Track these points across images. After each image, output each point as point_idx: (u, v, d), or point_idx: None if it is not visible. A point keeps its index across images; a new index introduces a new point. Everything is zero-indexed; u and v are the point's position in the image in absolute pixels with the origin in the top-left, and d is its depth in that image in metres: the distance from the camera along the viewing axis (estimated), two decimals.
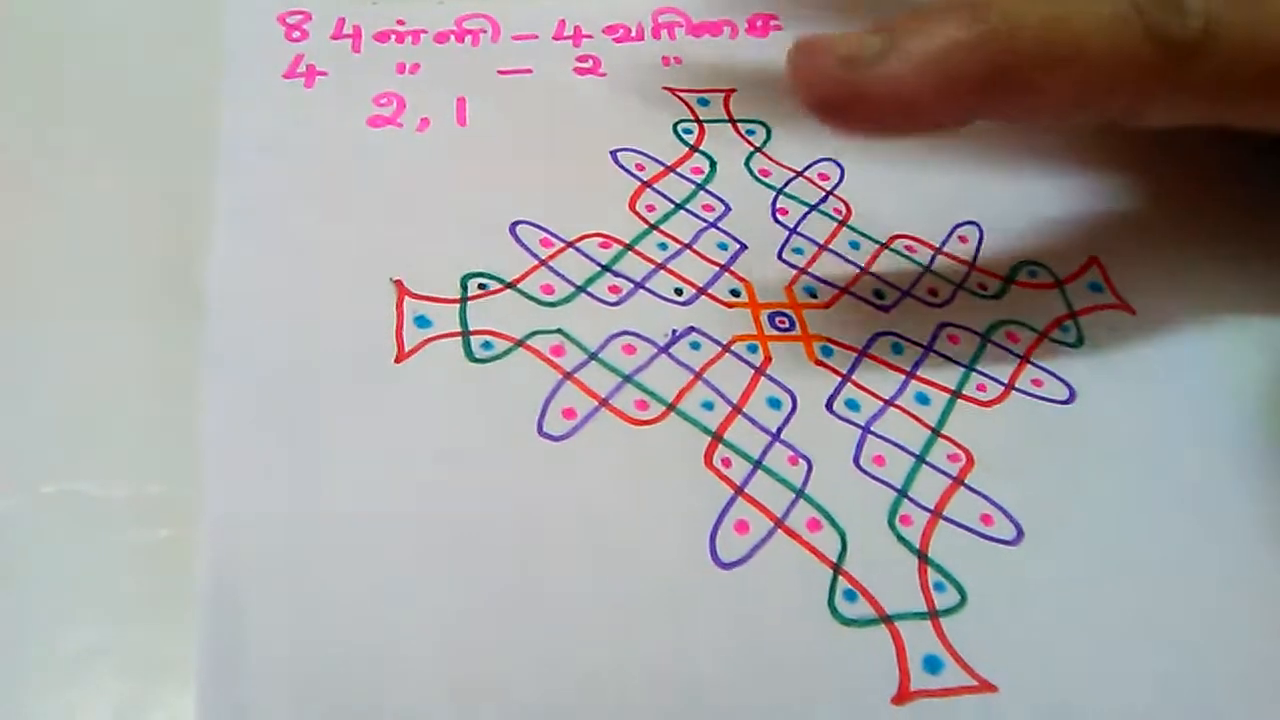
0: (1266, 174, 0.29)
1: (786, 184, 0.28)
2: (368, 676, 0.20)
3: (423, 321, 0.24)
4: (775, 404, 0.24)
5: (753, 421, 0.24)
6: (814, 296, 0.26)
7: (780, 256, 0.27)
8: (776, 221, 0.27)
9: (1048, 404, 0.25)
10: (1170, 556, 0.22)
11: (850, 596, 0.21)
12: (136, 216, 0.26)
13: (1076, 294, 0.27)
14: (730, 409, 0.24)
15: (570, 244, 0.26)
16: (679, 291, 0.26)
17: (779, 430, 0.23)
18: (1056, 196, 0.28)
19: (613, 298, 0.25)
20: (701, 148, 0.29)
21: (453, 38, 0.31)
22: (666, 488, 0.22)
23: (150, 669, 0.20)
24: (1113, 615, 0.22)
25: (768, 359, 0.25)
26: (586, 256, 0.26)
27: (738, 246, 0.27)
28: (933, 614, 0.21)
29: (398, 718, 0.20)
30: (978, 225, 0.28)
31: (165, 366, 0.23)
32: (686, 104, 0.30)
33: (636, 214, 0.27)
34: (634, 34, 0.32)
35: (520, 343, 0.24)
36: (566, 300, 0.25)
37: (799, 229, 0.27)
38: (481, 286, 0.25)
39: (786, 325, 0.25)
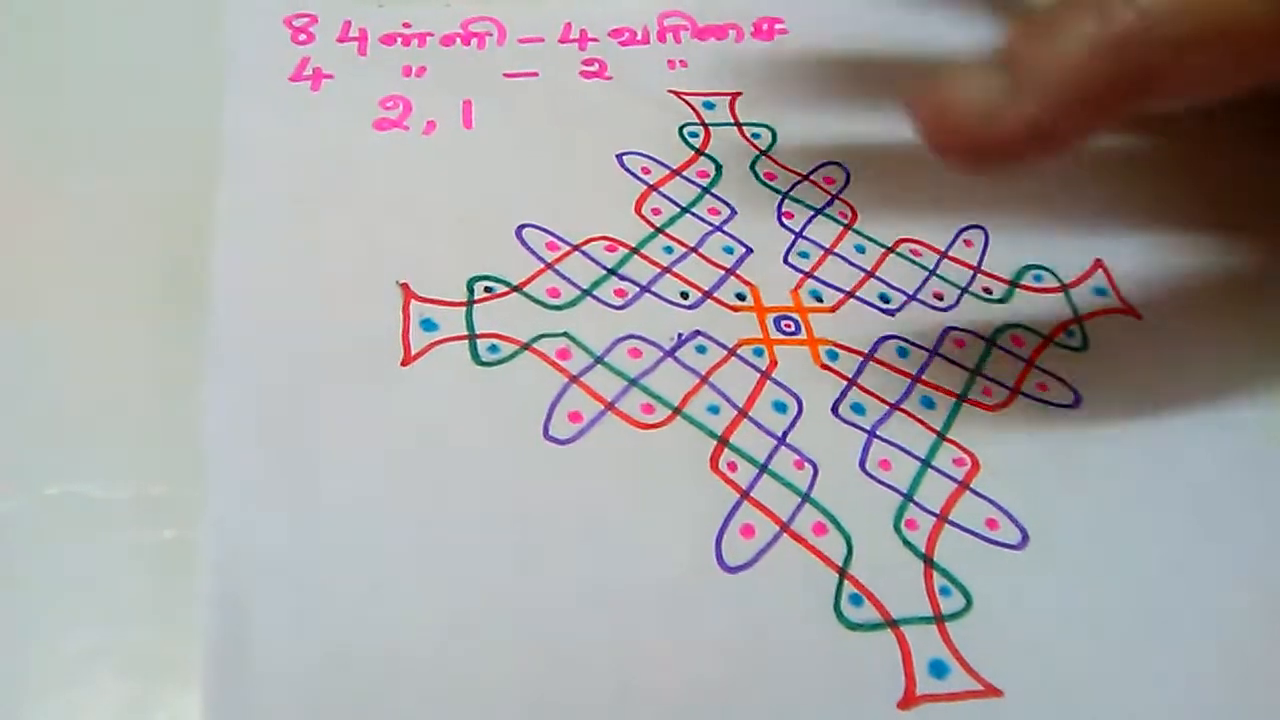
0: (1272, 179, 0.29)
1: (792, 187, 0.28)
2: (371, 677, 0.20)
3: (429, 324, 0.24)
4: (781, 408, 0.24)
5: (758, 425, 0.24)
6: (819, 300, 0.26)
7: (786, 260, 0.27)
8: (782, 225, 0.27)
9: (1053, 408, 0.25)
10: (1175, 560, 0.22)
11: (856, 601, 0.21)
12: (141, 219, 0.26)
13: (1082, 298, 0.27)
14: (736, 413, 0.24)
15: (576, 247, 0.26)
16: (685, 295, 0.26)
17: (785, 434, 0.23)
18: (1062, 200, 0.28)
19: (618, 301, 0.25)
20: (707, 151, 0.29)
21: (459, 41, 0.31)
22: (672, 491, 0.22)
23: (154, 669, 0.20)
24: (1118, 619, 0.22)
25: (773, 363, 0.25)
26: (592, 260, 0.26)
27: (743, 250, 0.27)
28: (938, 618, 0.21)
29: (400, 717, 0.19)
30: (983, 229, 0.28)
31: (169, 368, 0.23)
32: (692, 107, 0.30)
33: (642, 217, 0.27)
34: (640, 37, 0.32)
35: (526, 346, 0.24)
36: (572, 304, 0.25)
37: (804, 233, 0.27)
38: (488, 290, 0.25)
39: (792, 329, 0.25)
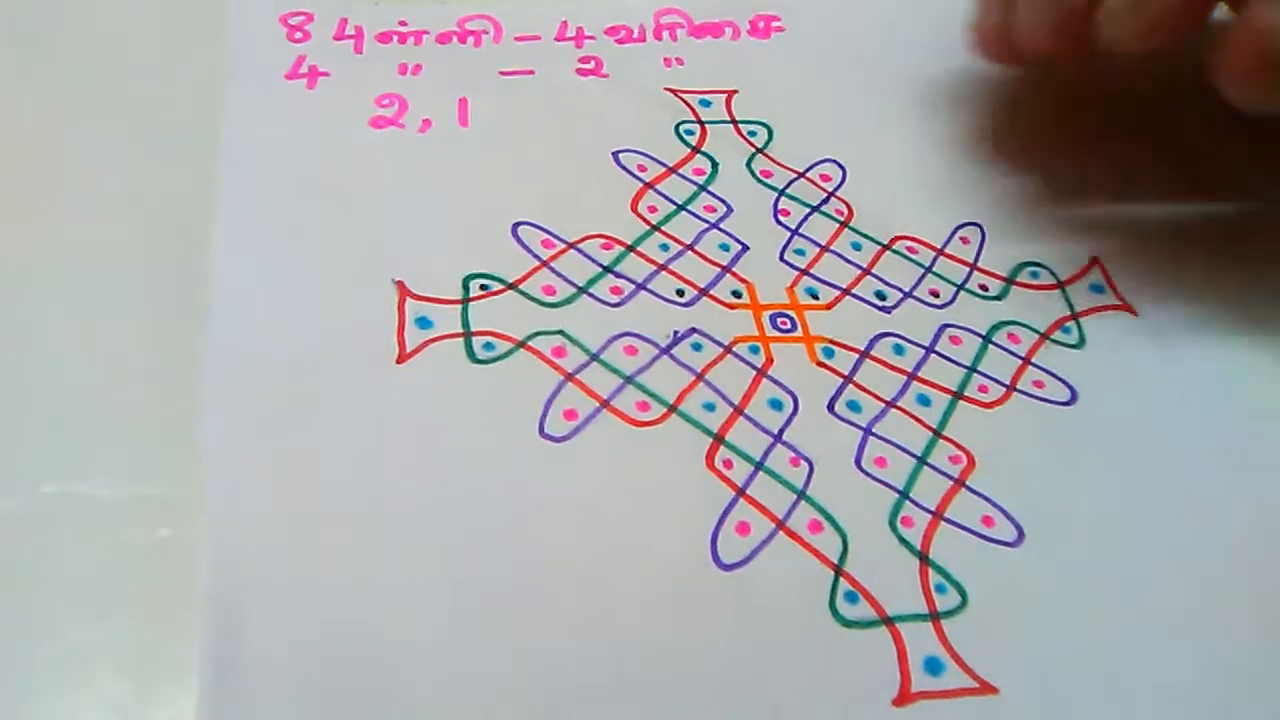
0: (1267, 175, 0.29)
1: (788, 185, 0.28)
2: (368, 675, 0.20)
3: (424, 322, 0.24)
4: (777, 405, 0.24)
5: (754, 423, 0.24)
6: (815, 298, 0.26)
7: (782, 258, 0.27)
8: (778, 222, 0.27)
9: (1049, 405, 0.25)
10: (1171, 558, 0.22)
11: (851, 598, 0.21)
12: (138, 218, 0.26)
13: (1078, 295, 0.27)
14: (732, 410, 0.24)
15: (572, 245, 0.26)
16: (680, 293, 0.26)
17: (780, 431, 0.23)
18: (1058, 198, 0.28)
19: (614, 299, 0.25)
20: (703, 149, 0.29)
21: (455, 38, 0.31)
22: (668, 489, 0.22)
23: (151, 668, 0.20)
24: (1113, 616, 0.22)
25: (769, 360, 0.25)
26: (588, 257, 0.26)
27: (739, 248, 0.27)
28: (934, 615, 0.21)
29: (398, 716, 0.20)
30: (979, 226, 0.28)
31: (166, 368, 0.23)
32: (688, 105, 0.30)
33: (638, 215, 0.27)
34: (636, 35, 0.32)
35: (522, 344, 0.24)
36: (568, 301, 0.25)
37: (800, 230, 0.27)
38: (483, 287, 0.25)
39: (788, 326, 0.25)
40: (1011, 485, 0.23)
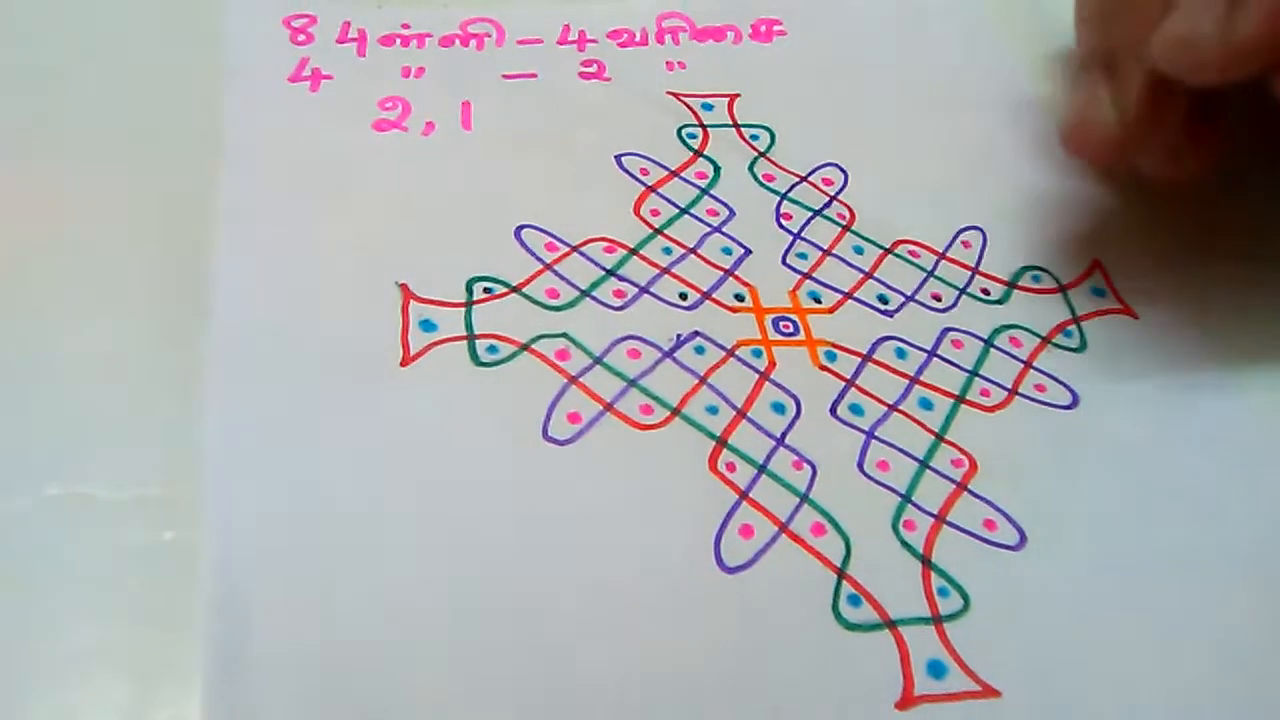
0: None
1: (790, 189, 0.28)
2: (371, 677, 0.20)
3: (428, 325, 0.24)
4: (779, 408, 0.24)
5: (757, 426, 0.24)
6: (818, 301, 0.26)
7: (784, 261, 0.27)
8: (780, 226, 0.27)
9: (1051, 409, 0.25)
10: (1173, 561, 0.22)
11: (854, 601, 0.21)
12: (141, 220, 0.26)
13: (1079, 299, 0.27)
14: (734, 413, 0.24)
15: (575, 248, 0.26)
16: (683, 296, 0.26)
17: (783, 435, 0.23)
18: (1060, 201, 0.28)
19: (617, 302, 0.25)
20: (706, 152, 0.29)
21: (458, 42, 0.31)
22: (671, 492, 0.22)
23: (155, 669, 0.20)
24: (1115, 620, 0.22)
25: (772, 364, 0.25)
26: (591, 261, 0.26)
27: (742, 251, 0.27)
28: (936, 619, 0.21)
29: (400, 717, 0.20)
30: (981, 230, 0.28)
31: (169, 369, 0.23)
32: (691, 109, 0.30)
33: (641, 218, 0.27)
34: (638, 39, 0.32)
35: (525, 347, 0.24)
36: (571, 304, 0.25)
37: (803, 234, 0.27)
38: (487, 290, 0.25)
39: (790, 330, 0.25)
40: (1013, 488, 0.23)
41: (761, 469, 0.23)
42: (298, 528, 0.21)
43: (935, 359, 0.25)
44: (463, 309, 0.25)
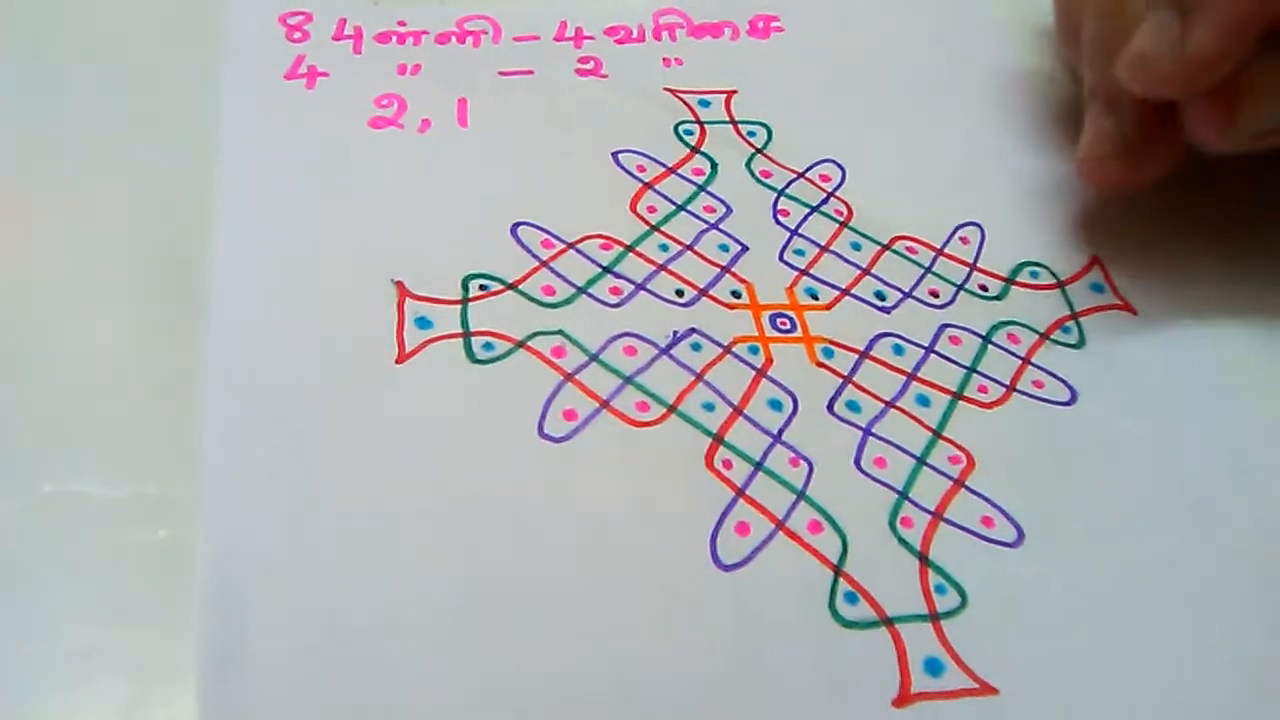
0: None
1: (788, 185, 0.28)
2: (367, 676, 0.20)
3: (424, 322, 0.24)
4: (776, 405, 0.24)
5: (754, 423, 0.23)
6: (815, 298, 0.26)
7: (781, 258, 0.27)
8: (777, 223, 0.27)
9: (1049, 405, 0.25)
10: (1172, 558, 0.22)
11: (851, 599, 0.21)
12: (136, 217, 0.26)
13: (1078, 295, 0.27)
14: (731, 410, 0.24)
15: (571, 245, 0.26)
16: (680, 293, 0.26)
17: (780, 432, 0.23)
18: (1058, 197, 0.28)
19: (614, 299, 0.25)
20: (703, 149, 0.29)
21: (454, 39, 0.31)
22: (667, 489, 0.22)
23: (149, 669, 0.20)
24: (1114, 617, 0.22)
25: (769, 360, 0.25)
26: (587, 258, 0.26)
27: (739, 248, 0.27)
28: (933, 616, 0.21)
29: (398, 716, 0.19)
30: (979, 226, 0.28)
31: (165, 366, 0.23)
32: (688, 105, 0.30)
33: (637, 215, 0.27)
34: (635, 35, 0.31)
35: (521, 344, 0.24)
36: (567, 301, 0.25)
37: (800, 230, 0.27)
38: (483, 288, 0.25)
39: (788, 326, 0.25)
40: (1011, 485, 0.23)
41: (758, 466, 0.23)
42: (293, 525, 0.21)
43: (933, 355, 0.25)
44: (458, 306, 0.25)
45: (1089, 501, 0.23)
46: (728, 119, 0.29)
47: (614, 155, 0.28)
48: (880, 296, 0.26)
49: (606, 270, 0.26)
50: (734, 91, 0.30)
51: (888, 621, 0.21)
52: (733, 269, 0.26)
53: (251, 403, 0.23)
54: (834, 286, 0.26)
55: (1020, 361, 0.25)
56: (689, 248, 0.26)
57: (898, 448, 0.23)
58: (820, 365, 0.25)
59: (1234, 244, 0.28)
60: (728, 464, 0.23)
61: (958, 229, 0.28)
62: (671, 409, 0.24)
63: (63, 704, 0.19)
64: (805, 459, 0.23)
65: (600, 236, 0.26)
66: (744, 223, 0.27)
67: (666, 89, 0.30)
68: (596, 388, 0.24)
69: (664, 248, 0.26)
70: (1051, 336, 0.26)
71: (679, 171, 0.28)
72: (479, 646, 0.20)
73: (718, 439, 0.23)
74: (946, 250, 0.27)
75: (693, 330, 0.25)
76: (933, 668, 0.21)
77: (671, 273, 0.26)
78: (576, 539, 0.22)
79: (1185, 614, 0.22)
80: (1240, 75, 0.24)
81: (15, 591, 0.20)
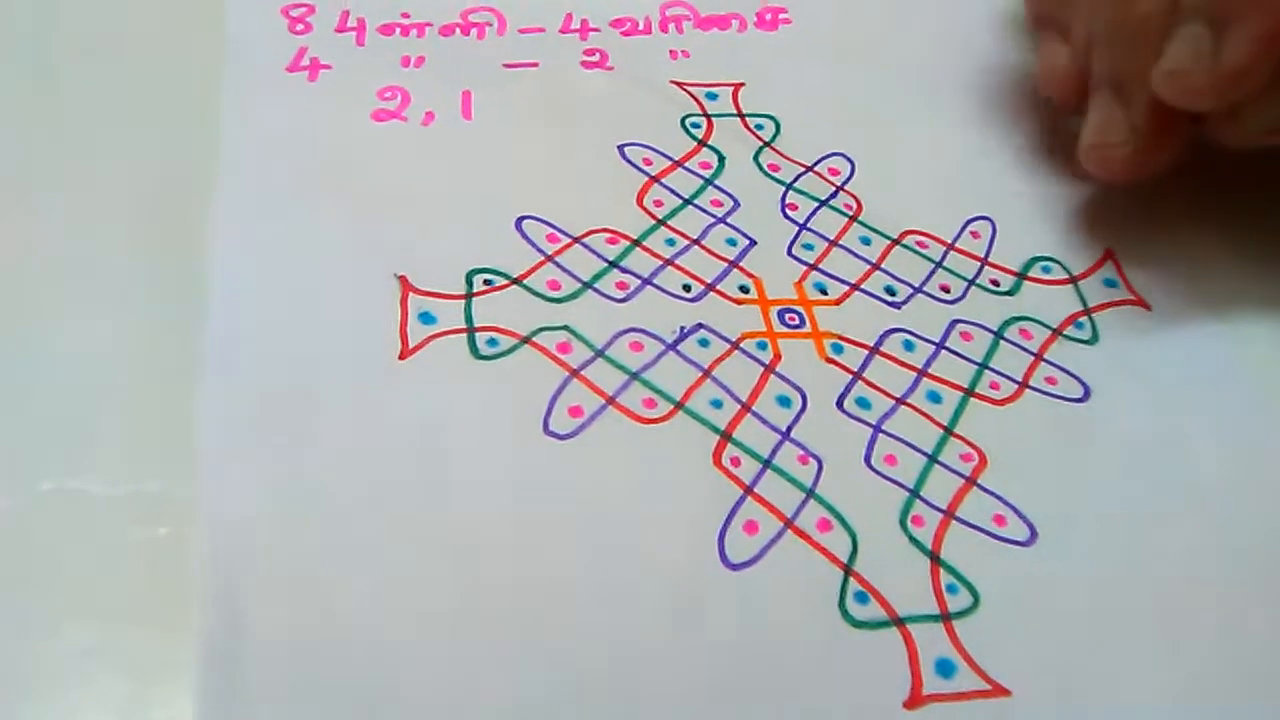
0: None
1: (796, 179, 0.28)
2: (368, 675, 0.20)
3: (427, 318, 0.24)
4: (785, 402, 0.24)
5: (762, 420, 0.23)
6: (824, 293, 0.26)
7: (790, 252, 0.26)
8: (786, 217, 0.27)
9: (1062, 402, 0.24)
10: (1186, 555, 0.22)
11: (861, 598, 0.21)
12: (137, 212, 0.26)
13: (1091, 290, 0.26)
14: (739, 407, 0.23)
15: (577, 240, 0.26)
16: (687, 288, 0.25)
17: (789, 429, 0.23)
18: (1070, 191, 0.28)
19: (620, 294, 0.25)
20: (710, 142, 0.28)
21: (458, 31, 0.31)
22: (674, 487, 0.22)
23: (149, 667, 0.20)
24: (1128, 617, 0.21)
25: (777, 356, 0.24)
26: (593, 252, 0.26)
27: (747, 242, 0.26)
28: (945, 616, 0.21)
29: (397, 716, 0.19)
30: (990, 220, 0.27)
31: (164, 363, 0.23)
32: (695, 98, 0.29)
33: (644, 209, 0.27)
34: (642, 27, 0.31)
35: (526, 339, 0.24)
36: (573, 297, 0.25)
37: (809, 224, 0.27)
38: (487, 282, 0.25)
39: (796, 322, 0.25)
40: (1024, 483, 0.23)
41: (766, 464, 0.23)
42: (293, 522, 0.21)
43: (944, 351, 0.25)
44: (462, 301, 0.24)
45: (1103, 499, 0.23)
46: (735, 112, 0.29)
47: (620, 149, 0.28)
48: (890, 291, 0.26)
49: (612, 265, 0.25)
50: (741, 84, 0.30)
51: (898, 622, 0.21)
52: (741, 264, 0.26)
53: (251, 399, 0.22)
54: (843, 281, 0.26)
55: (1033, 357, 0.25)
56: (696, 242, 0.26)
57: (908, 445, 0.23)
58: (829, 361, 0.24)
59: (1249, 239, 0.27)
60: (736, 461, 0.23)
61: (968, 223, 0.27)
62: (679, 406, 0.23)
63: (62, 702, 0.19)
64: (814, 456, 0.23)
65: (606, 231, 0.26)
66: (752, 217, 0.27)
67: (673, 82, 0.30)
68: (602, 384, 0.23)
69: (671, 242, 0.26)
70: (1064, 332, 0.26)
71: (686, 165, 0.28)
72: (480, 645, 0.20)
73: (726, 436, 0.23)
74: (957, 245, 0.27)
75: (700, 326, 0.25)
76: (944, 669, 0.20)
77: (678, 267, 0.26)
78: (581, 538, 0.21)
79: (1200, 612, 0.21)
80: None
81: (14, 589, 0.20)
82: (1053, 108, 0.29)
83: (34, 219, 0.26)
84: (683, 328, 0.25)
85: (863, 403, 0.24)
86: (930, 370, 0.25)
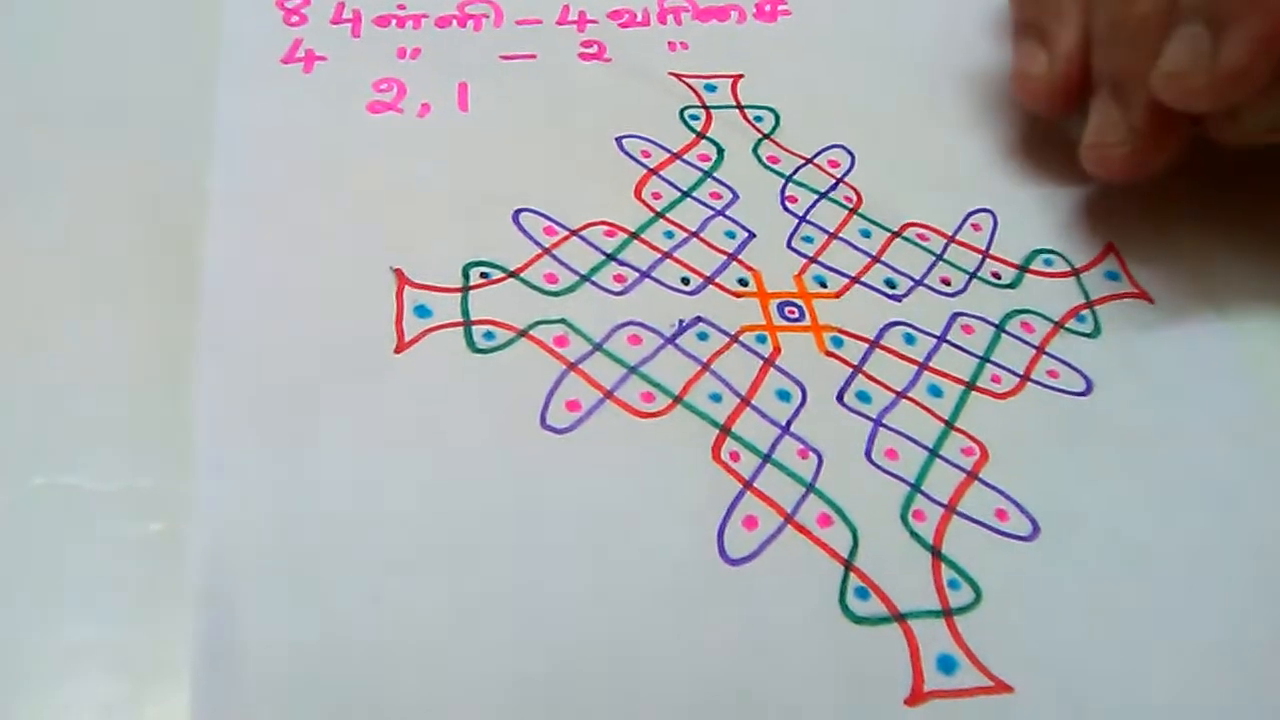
0: None
1: (796, 171, 0.28)
2: (364, 673, 0.19)
3: (423, 311, 0.24)
4: (785, 396, 0.23)
5: (762, 414, 0.23)
6: (824, 286, 0.25)
7: (789, 245, 0.26)
8: (785, 209, 0.27)
9: (1064, 395, 0.24)
10: (1189, 550, 0.22)
11: (862, 594, 0.21)
12: (131, 206, 0.25)
13: (1093, 282, 0.26)
14: (739, 401, 0.23)
15: (574, 232, 0.26)
16: (686, 281, 0.25)
17: (788, 423, 0.23)
18: (1072, 183, 0.28)
19: (618, 287, 0.25)
20: (709, 134, 0.28)
21: (454, 22, 0.30)
22: (673, 482, 0.22)
23: (143, 664, 0.19)
24: (1131, 613, 0.21)
25: (777, 350, 0.24)
26: (591, 245, 0.25)
27: (746, 235, 0.26)
28: (947, 612, 0.21)
29: (394, 715, 0.19)
30: (992, 213, 0.27)
31: (158, 358, 0.23)
32: (693, 90, 0.29)
33: (642, 202, 0.27)
34: (640, 19, 0.31)
35: (523, 333, 0.24)
36: (570, 290, 0.25)
37: (808, 217, 0.27)
38: (484, 275, 0.25)
39: (796, 315, 0.25)
40: (1026, 478, 0.23)
41: (766, 458, 0.22)
42: (288, 519, 0.21)
43: (945, 344, 0.25)
44: (459, 294, 0.24)
45: (1105, 493, 0.23)
46: (734, 104, 0.29)
47: (618, 140, 0.28)
48: (891, 284, 0.26)
49: (610, 258, 0.25)
50: (740, 76, 0.30)
51: (900, 617, 0.21)
52: (740, 256, 0.26)
53: (246, 393, 0.22)
54: (843, 274, 0.26)
55: (1034, 351, 0.25)
56: (695, 235, 0.26)
57: (909, 439, 0.23)
58: (829, 355, 0.24)
59: (1252, 233, 0.27)
60: (735, 456, 0.22)
61: (969, 215, 0.27)
62: (677, 400, 0.23)
63: (54, 700, 0.19)
64: (814, 450, 0.23)
65: (604, 223, 0.26)
66: (751, 209, 0.27)
67: (672, 73, 0.30)
68: (600, 378, 0.23)
69: (669, 235, 0.26)
70: (1066, 325, 0.25)
71: (684, 157, 0.28)
72: (478, 642, 0.20)
73: (725, 430, 0.23)
74: (958, 237, 0.27)
75: (699, 319, 0.24)
76: (946, 665, 0.20)
77: (677, 260, 0.25)
78: (580, 533, 0.21)
79: (1202, 607, 0.21)
80: None
81: (6, 585, 0.20)
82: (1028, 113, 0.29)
83: (29, 213, 0.25)
84: (681, 321, 0.24)
85: (863, 396, 0.24)
86: (931, 364, 0.24)
